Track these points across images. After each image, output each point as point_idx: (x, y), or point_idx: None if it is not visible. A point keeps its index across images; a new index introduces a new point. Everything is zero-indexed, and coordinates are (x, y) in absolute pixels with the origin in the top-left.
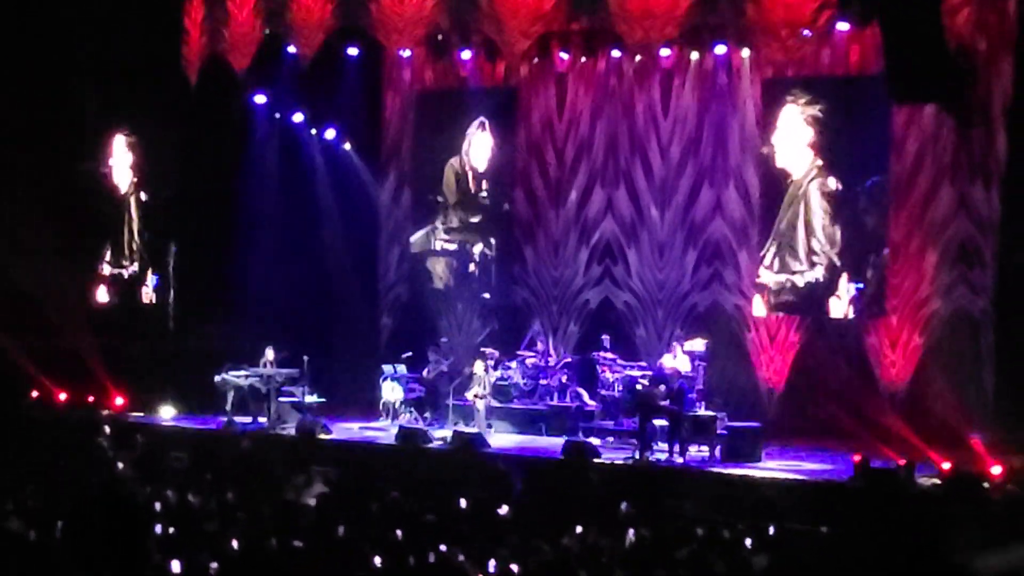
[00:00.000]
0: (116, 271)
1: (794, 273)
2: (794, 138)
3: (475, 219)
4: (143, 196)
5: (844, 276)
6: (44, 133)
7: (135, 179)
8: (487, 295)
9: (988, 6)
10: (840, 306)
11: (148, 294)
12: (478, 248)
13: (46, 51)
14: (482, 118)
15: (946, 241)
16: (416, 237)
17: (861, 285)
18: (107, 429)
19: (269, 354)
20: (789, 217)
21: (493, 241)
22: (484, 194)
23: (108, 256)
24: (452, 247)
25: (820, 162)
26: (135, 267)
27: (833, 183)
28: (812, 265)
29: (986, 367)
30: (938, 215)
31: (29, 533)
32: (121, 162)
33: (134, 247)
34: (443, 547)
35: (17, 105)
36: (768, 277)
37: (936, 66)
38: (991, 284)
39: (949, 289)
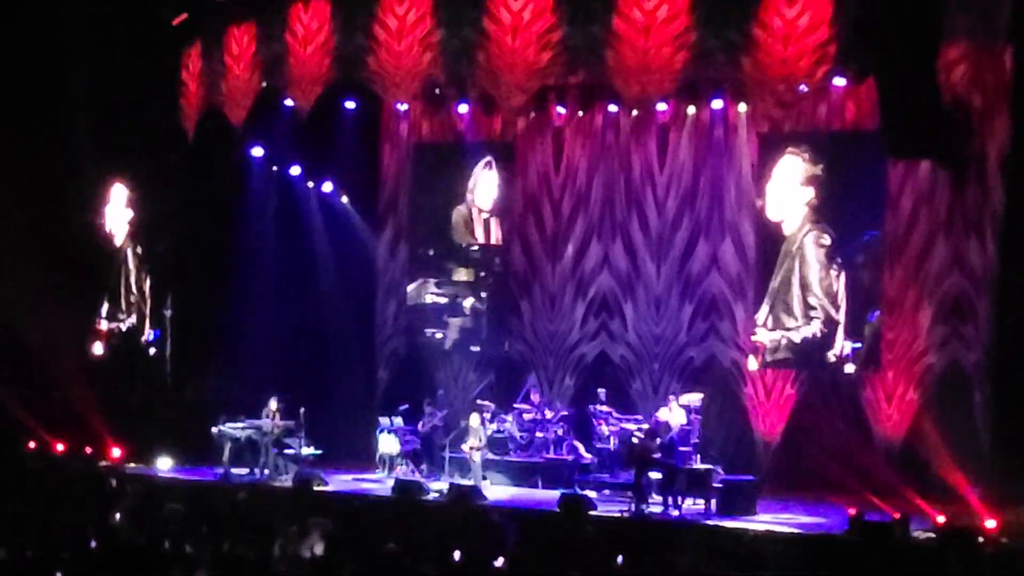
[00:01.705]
0: (113, 323)
1: (789, 330)
2: (790, 192)
3: (468, 273)
4: (140, 248)
5: (841, 333)
6: (41, 184)
7: (132, 230)
8: (477, 348)
9: (984, 62)
10: (835, 361)
11: (145, 345)
12: (469, 303)
13: (43, 101)
14: (489, 157)
15: (941, 296)
16: (410, 289)
17: (858, 345)
18: (113, 482)
19: (272, 404)
20: (783, 273)
21: (484, 295)
22: (492, 239)
23: (105, 307)
24: (443, 301)
25: (815, 217)
26: (132, 319)
27: (828, 237)
28: (809, 320)
29: (980, 421)
30: (932, 270)
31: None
32: (117, 213)
33: (131, 299)
34: None
35: (14, 155)
36: (763, 335)
37: (932, 122)
38: (985, 338)
39: (943, 344)
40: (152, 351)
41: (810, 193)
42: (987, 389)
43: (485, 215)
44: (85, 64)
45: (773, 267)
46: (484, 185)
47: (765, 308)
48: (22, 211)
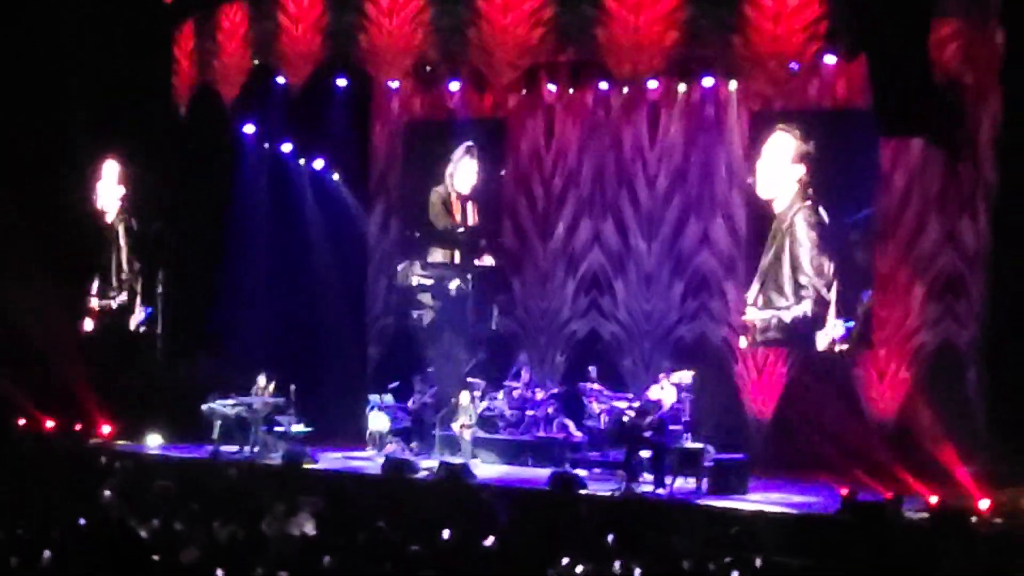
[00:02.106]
0: (104, 300)
1: (780, 309)
2: (781, 170)
3: (452, 255)
4: (132, 225)
5: (833, 312)
6: (32, 161)
7: (124, 207)
8: (463, 331)
9: (976, 39)
10: (826, 340)
11: (136, 323)
12: (454, 284)
13: (35, 79)
14: (469, 143)
15: (933, 274)
16: (400, 269)
17: (851, 323)
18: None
19: (261, 381)
20: (774, 252)
21: (470, 277)
22: (470, 221)
23: (96, 284)
24: (429, 282)
25: (807, 195)
26: (123, 296)
27: (820, 214)
28: (799, 299)
29: (974, 400)
30: (925, 248)
31: (11, 560)
32: (109, 190)
33: (122, 276)
34: None
35: (4, 133)
36: (753, 314)
37: (923, 100)
38: (977, 316)
39: (936, 322)
40: (143, 329)
41: (801, 170)
42: (981, 368)
43: (463, 199)
44: (77, 42)
45: (764, 245)
46: (463, 171)
47: (755, 287)
48: (13, 189)
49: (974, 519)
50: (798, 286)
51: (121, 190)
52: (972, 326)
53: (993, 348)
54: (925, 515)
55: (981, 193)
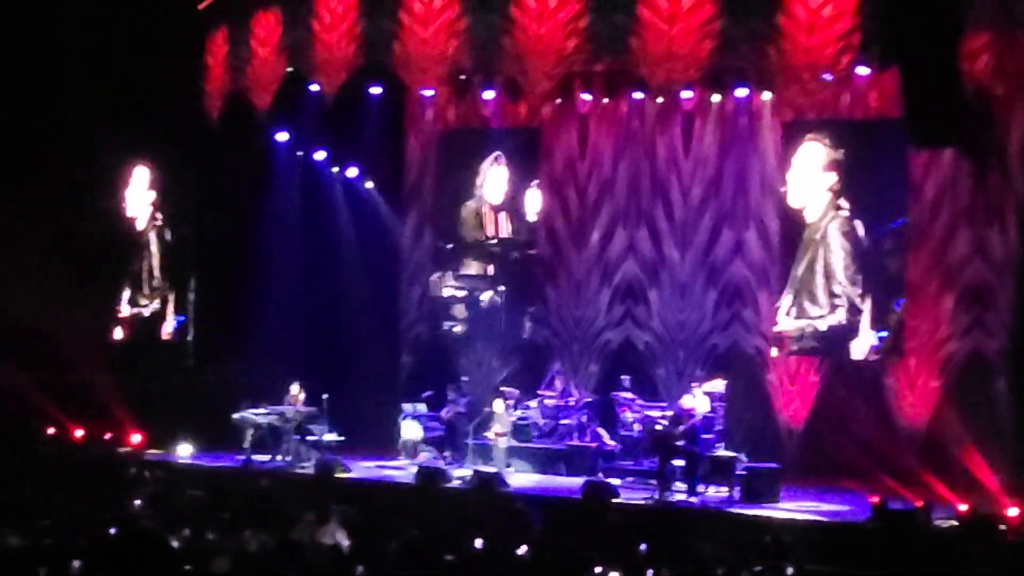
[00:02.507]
0: (135, 308)
1: (814, 319)
2: (812, 178)
3: (485, 266)
4: (163, 232)
5: (866, 322)
6: (62, 169)
7: (155, 213)
8: (495, 342)
9: (1006, 51)
10: (861, 349)
11: (167, 331)
12: (487, 296)
13: (66, 85)
14: (497, 152)
15: (963, 284)
16: (432, 280)
17: (884, 333)
18: (133, 468)
19: (294, 390)
20: (807, 262)
21: (502, 289)
22: (502, 232)
23: (127, 292)
24: (461, 294)
25: (839, 204)
26: (155, 304)
27: (853, 223)
28: (834, 308)
29: (1003, 409)
30: (955, 258)
31: (40, 571)
32: (140, 197)
33: (153, 283)
34: None
35: (35, 139)
36: (786, 324)
37: (954, 110)
38: (1006, 326)
39: (965, 331)
40: (175, 337)
41: (832, 178)
42: (1009, 377)
43: (496, 209)
44: (109, 47)
45: (796, 255)
46: (493, 180)
47: (788, 297)
48: (44, 196)
49: (1003, 527)
50: (832, 295)
51: (152, 196)
52: (1001, 336)
53: (1021, 358)
54: (955, 523)
55: (1011, 204)
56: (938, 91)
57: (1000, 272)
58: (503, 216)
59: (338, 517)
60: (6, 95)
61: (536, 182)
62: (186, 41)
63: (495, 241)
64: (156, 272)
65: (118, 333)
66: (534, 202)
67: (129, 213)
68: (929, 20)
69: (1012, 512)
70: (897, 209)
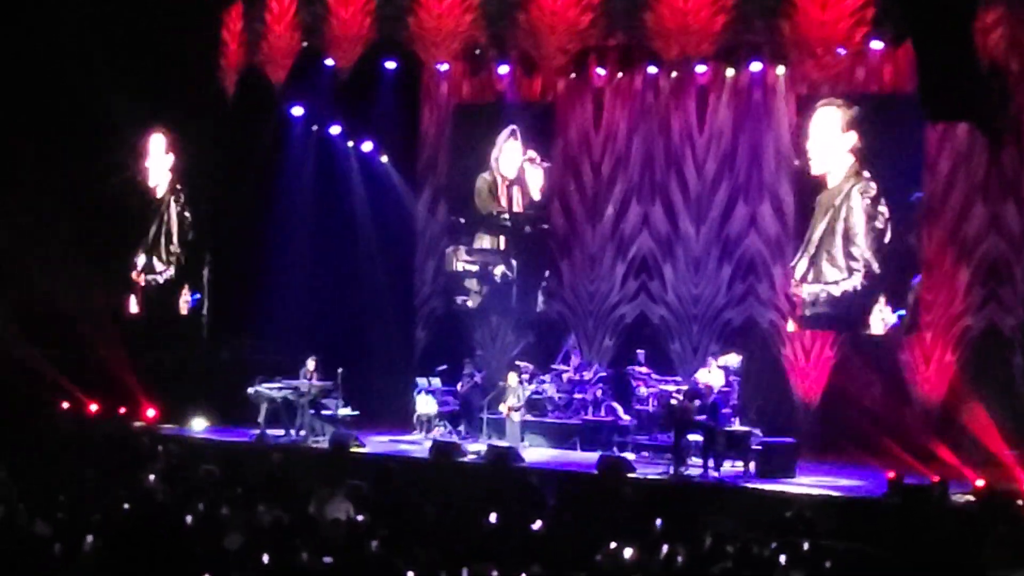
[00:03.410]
0: (150, 278)
1: (830, 283)
2: (832, 143)
3: (498, 240)
4: (181, 198)
5: (883, 299)
6: (79, 141)
7: (174, 181)
8: (507, 317)
9: (1020, 25)
10: (879, 326)
11: (183, 304)
12: (499, 270)
13: (83, 59)
14: (513, 126)
15: (978, 259)
16: (446, 253)
17: (903, 312)
18: (147, 443)
19: (310, 364)
20: (827, 223)
21: (515, 263)
22: (515, 207)
23: (141, 263)
24: (474, 268)
25: (860, 167)
26: (171, 271)
27: (876, 187)
28: (851, 272)
29: (1020, 384)
30: (970, 233)
31: (56, 545)
32: (158, 163)
33: (171, 249)
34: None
35: (51, 111)
36: (800, 290)
37: (969, 85)
38: (1022, 301)
39: (981, 306)
40: (187, 309)
41: (852, 138)
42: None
43: (509, 183)
44: (124, 20)
45: (812, 220)
46: (508, 154)
47: (804, 261)
48: (59, 168)
49: (1021, 502)
50: (850, 258)
51: (170, 160)
52: (1017, 311)
53: None
54: (971, 498)
55: None
56: (952, 65)
57: (1016, 246)
58: (516, 190)
59: (347, 491)
60: (26, 67)
61: (535, 157)
62: (203, 16)
63: (507, 215)
64: (175, 237)
65: (133, 307)
66: (536, 177)
67: (149, 182)
68: None
69: None
70: (912, 184)
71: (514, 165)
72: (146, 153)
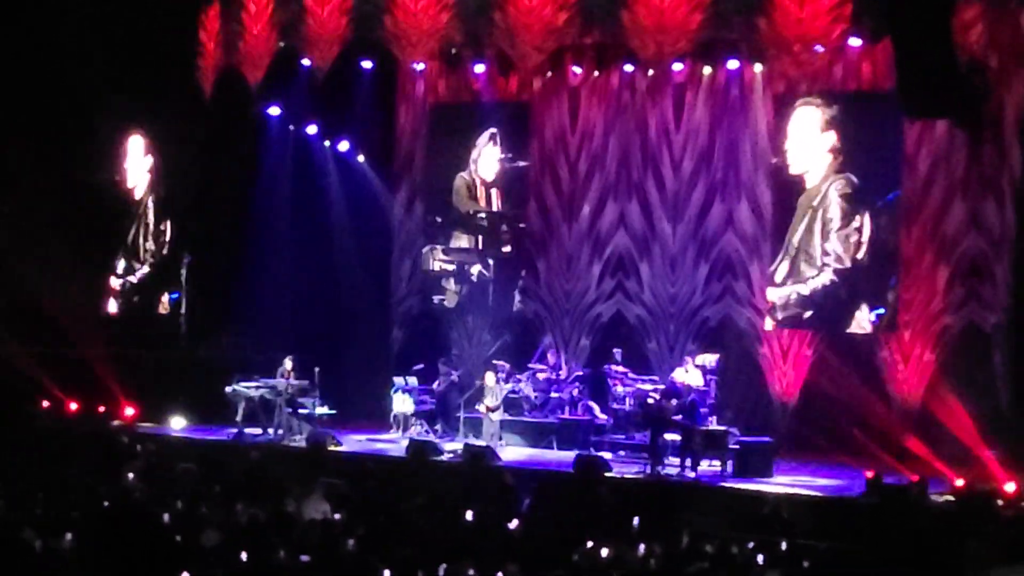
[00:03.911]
0: (129, 278)
1: (803, 281)
2: (810, 142)
3: (474, 239)
4: (159, 197)
5: (861, 297)
6: (58, 141)
7: (152, 179)
8: (484, 317)
9: (1000, 22)
10: (857, 323)
11: (161, 304)
12: (476, 269)
13: (61, 59)
14: (493, 129)
15: (957, 256)
16: (423, 253)
17: (882, 310)
18: (126, 441)
19: (287, 363)
20: (806, 223)
21: (491, 262)
22: (494, 206)
23: (120, 263)
24: (450, 267)
25: (839, 165)
26: (149, 271)
27: (852, 182)
28: (823, 267)
29: (999, 383)
30: (950, 230)
31: (36, 543)
32: (136, 165)
33: (148, 249)
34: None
35: (31, 112)
36: (775, 293)
37: (948, 82)
38: (1002, 299)
39: (960, 304)
40: (166, 307)
41: (832, 137)
42: (1004, 351)
43: (488, 184)
44: (105, 22)
45: (789, 228)
46: (487, 157)
47: (785, 264)
48: (39, 169)
49: (1000, 502)
50: (824, 253)
51: (149, 162)
52: (997, 309)
53: (1018, 331)
54: (951, 498)
55: (1006, 176)
56: (931, 62)
57: (996, 244)
58: (495, 192)
59: (324, 490)
60: (5, 69)
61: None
62: (179, 17)
63: (484, 215)
64: (151, 238)
65: (112, 306)
66: (513, 177)
67: (127, 184)
68: None
69: (1009, 487)
70: (891, 181)
71: (492, 169)
72: (125, 155)
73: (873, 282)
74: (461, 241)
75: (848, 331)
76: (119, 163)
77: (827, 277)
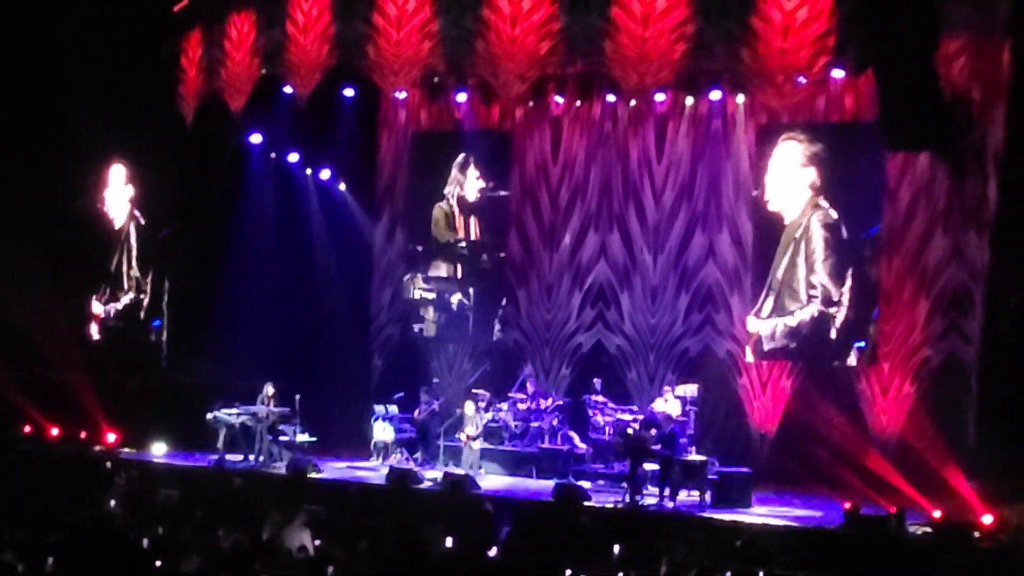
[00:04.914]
0: (111, 305)
1: (789, 314)
2: (791, 177)
3: (454, 268)
4: (140, 226)
5: (843, 317)
6: (39, 167)
7: (132, 210)
8: (464, 344)
9: (983, 56)
10: (842, 355)
11: (144, 330)
12: (456, 298)
13: (42, 85)
14: (466, 154)
15: (939, 289)
16: (404, 281)
17: (863, 344)
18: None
19: (269, 390)
20: (789, 258)
21: (471, 291)
22: (472, 234)
23: (103, 289)
24: (430, 296)
25: (819, 199)
26: (130, 297)
27: (834, 216)
28: (809, 300)
29: (976, 415)
30: (931, 263)
31: (18, 567)
32: (117, 193)
33: (131, 276)
34: None
35: (13, 138)
36: (758, 324)
37: (930, 114)
38: (977, 332)
39: (941, 337)
40: (150, 338)
41: (812, 174)
42: (981, 383)
43: (466, 212)
44: (85, 47)
45: (770, 258)
46: (462, 183)
47: (771, 300)
48: (21, 194)
49: (977, 534)
50: (810, 286)
51: (130, 191)
52: (977, 342)
53: (991, 363)
54: (928, 530)
55: (987, 208)
56: (914, 94)
57: (976, 277)
58: (473, 219)
59: (304, 517)
60: None
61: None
62: (161, 43)
63: (464, 243)
64: (134, 264)
65: (95, 332)
66: (493, 206)
67: (107, 212)
68: (905, 23)
69: (986, 519)
70: (873, 212)
71: (470, 194)
72: (105, 183)
73: (855, 314)
74: (440, 270)
75: (836, 363)
76: (99, 191)
77: (814, 309)
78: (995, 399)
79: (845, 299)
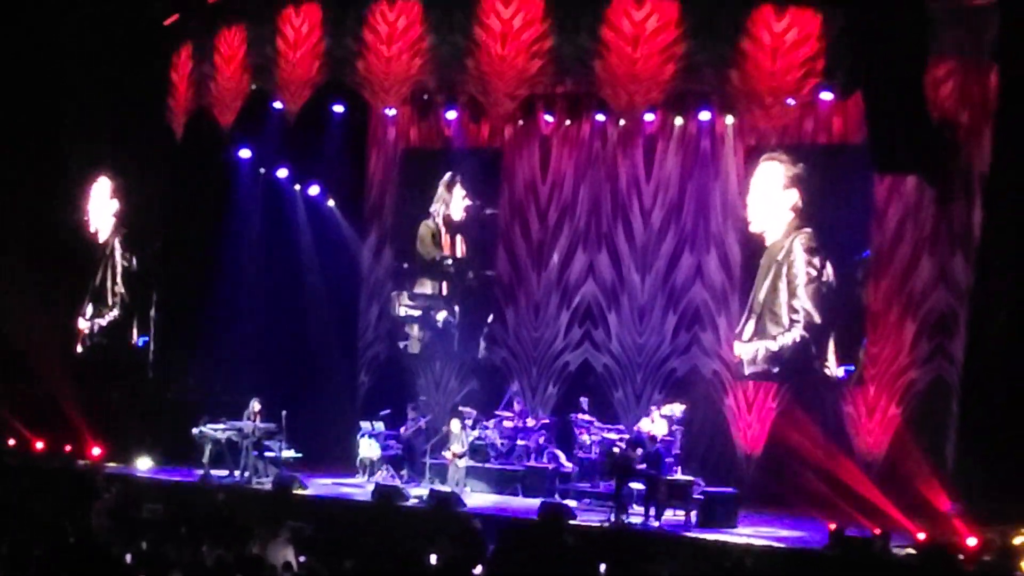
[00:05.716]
0: (97, 320)
1: (771, 338)
2: (772, 199)
3: (439, 286)
4: (125, 241)
5: (831, 344)
6: (26, 181)
7: (117, 224)
8: (449, 362)
9: (971, 79)
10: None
11: (130, 345)
12: (441, 316)
13: (32, 99)
14: (453, 173)
15: (925, 311)
16: (391, 297)
17: (852, 367)
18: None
19: (255, 406)
20: (770, 282)
21: (457, 309)
22: (459, 252)
23: (89, 303)
24: (416, 313)
25: (801, 222)
26: (115, 313)
27: (817, 240)
28: (791, 324)
29: (960, 437)
30: (917, 285)
31: None
32: (102, 207)
33: (116, 290)
34: None
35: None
36: (741, 348)
37: (918, 137)
38: (959, 355)
39: (927, 359)
40: (135, 352)
41: (794, 195)
42: (965, 405)
43: (451, 230)
44: (75, 63)
45: (756, 279)
46: (448, 201)
47: (752, 323)
48: (6, 208)
49: (961, 556)
50: (792, 310)
51: (115, 206)
52: (960, 364)
53: (972, 386)
54: (912, 551)
55: (974, 231)
56: (902, 117)
57: (963, 300)
58: (459, 237)
59: (288, 533)
60: None
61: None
62: (151, 58)
63: (450, 261)
64: (119, 280)
65: (80, 347)
66: (480, 224)
67: (92, 226)
68: (894, 47)
69: (970, 542)
70: (860, 236)
71: (456, 212)
72: (89, 197)
73: (842, 338)
74: (426, 287)
75: (814, 377)
76: (84, 205)
77: (796, 333)
78: (978, 420)
79: (829, 322)
